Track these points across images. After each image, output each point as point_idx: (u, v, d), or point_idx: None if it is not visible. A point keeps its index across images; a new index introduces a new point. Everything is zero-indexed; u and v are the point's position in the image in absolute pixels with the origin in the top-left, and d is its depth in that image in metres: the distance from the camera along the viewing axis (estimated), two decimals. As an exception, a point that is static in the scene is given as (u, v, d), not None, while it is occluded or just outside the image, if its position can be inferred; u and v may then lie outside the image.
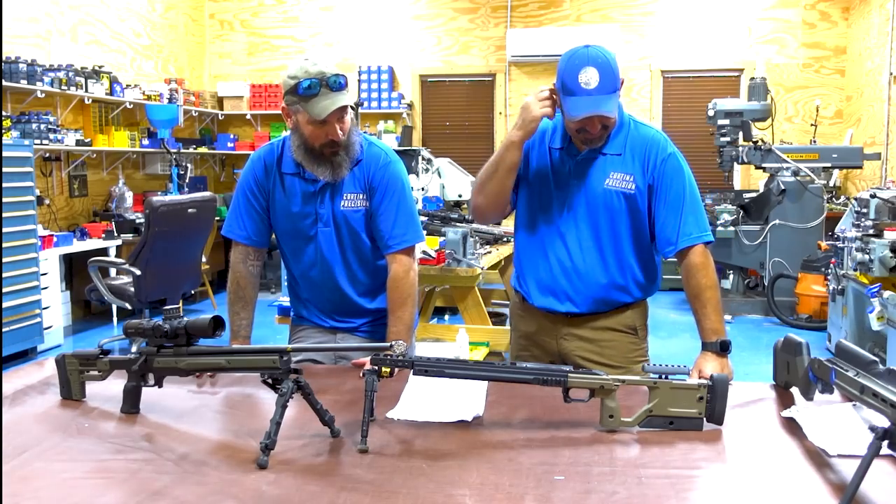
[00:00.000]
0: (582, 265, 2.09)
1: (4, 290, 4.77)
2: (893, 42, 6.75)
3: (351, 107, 2.07)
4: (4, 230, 4.81)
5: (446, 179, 6.20)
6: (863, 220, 4.93)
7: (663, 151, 2.06)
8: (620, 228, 2.08)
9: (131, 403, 1.68)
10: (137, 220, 6.52)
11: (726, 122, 6.55)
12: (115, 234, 6.45)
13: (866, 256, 4.63)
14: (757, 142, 6.60)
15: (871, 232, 4.79)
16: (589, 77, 1.92)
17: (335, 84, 1.99)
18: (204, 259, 5.89)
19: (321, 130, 2.03)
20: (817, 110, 7.62)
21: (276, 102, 8.60)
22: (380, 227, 2.18)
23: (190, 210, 4.96)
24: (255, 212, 2.22)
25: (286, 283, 2.39)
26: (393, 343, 1.56)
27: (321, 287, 2.24)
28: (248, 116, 8.77)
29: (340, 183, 2.15)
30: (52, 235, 5.76)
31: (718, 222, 6.40)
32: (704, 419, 1.55)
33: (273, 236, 2.30)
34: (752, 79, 6.98)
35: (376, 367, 1.51)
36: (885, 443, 1.18)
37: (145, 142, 7.33)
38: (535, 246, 2.15)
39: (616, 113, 2.00)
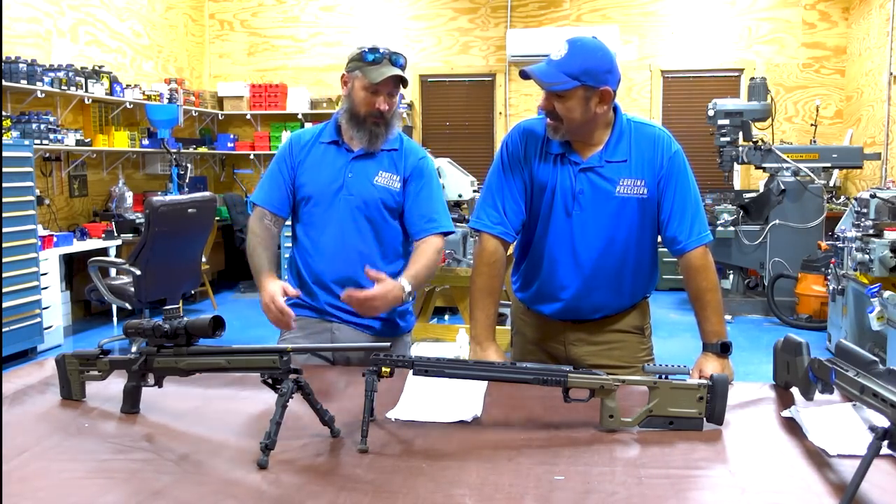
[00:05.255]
0: (595, 276, 2.06)
1: (4, 290, 4.77)
2: (893, 42, 6.76)
3: (402, 83, 2.20)
4: (4, 230, 4.81)
5: (446, 179, 6.18)
6: (863, 220, 4.93)
7: (669, 150, 2.03)
8: (634, 234, 2.05)
9: (131, 403, 1.68)
10: (137, 220, 6.52)
11: (726, 122, 6.55)
12: (115, 234, 6.45)
13: (866, 256, 4.63)
14: (757, 142, 6.60)
15: (871, 232, 4.79)
16: (559, 50, 1.92)
17: (396, 61, 2.18)
18: (204, 259, 5.89)
19: (372, 98, 2.17)
20: (817, 110, 7.63)
21: (276, 102, 8.60)
22: (421, 209, 2.26)
23: (190, 210, 4.96)
24: (283, 182, 2.30)
25: (288, 266, 2.38)
26: (402, 280, 2.05)
27: (334, 256, 2.23)
28: (248, 116, 8.76)
29: (378, 160, 2.25)
30: (52, 235, 5.76)
31: (718, 222, 6.40)
32: (704, 419, 1.55)
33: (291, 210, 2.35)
34: (752, 79, 6.98)
35: (376, 367, 1.52)
36: (885, 443, 1.18)
37: (145, 142, 7.34)
38: (544, 257, 2.10)
39: (557, 90, 1.91)
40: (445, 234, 2.28)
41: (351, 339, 2.26)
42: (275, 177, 2.31)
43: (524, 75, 1.95)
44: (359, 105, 2.19)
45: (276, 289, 2.10)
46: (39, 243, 5.37)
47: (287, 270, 2.40)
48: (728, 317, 6.40)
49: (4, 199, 4.83)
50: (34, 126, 5.80)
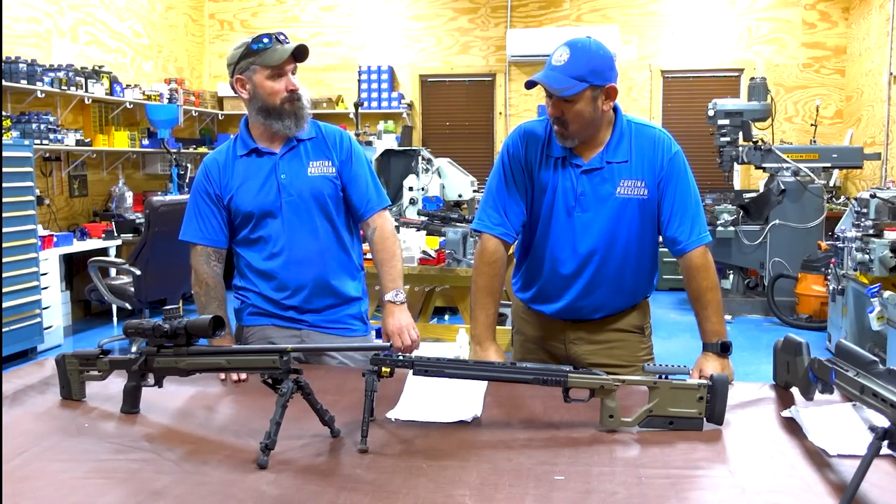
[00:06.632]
0: (595, 277, 2.07)
1: (4, 290, 4.77)
2: (893, 42, 6.75)
3: (299, 57, 2.16)
4: (4, 230, 4.81)
5: (446, 179, 6.19)
6: (863, 220, 4.93)
7: (669, 151, 2.03)
8: (635, 235, 2.05)
9: (131, 403, 1.68)
10: (137, 220, 6.52)
11: (726, 122, 6.55)
12: (115, 234, 6.45)
13: (866, 256, 4.63)
14: (757, 142, 6.60)
15: (871, 232, 4.79)
16: (560, 55, 1.92)
17: (283, 39, 2.15)
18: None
19: (279, 84, 2.13)
20: (817, 110, 7.63)
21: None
22: (363, 191, 2.26)
23: (190, 210, 4.95)
24: (211, 212, 2.20)
25: (240, 288, 2.28)
26: (396, 291, 2.13)
27: (295, 261, 2.18)
28: (248, 116, 8.75)
29: (304, 153, 2.21)
30: (52, 235, 5.76)
31: (718, 222, 6.40)
32: (704, 419, 1.55)
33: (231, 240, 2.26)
34: (752, 79, 6.98)
35: (376, 367, 1.52)
36: (885, 443, 1.18)
37: (145, 142, 7.34)
38: (545, 258, 2.10)
39: (569, 94, 1.90)
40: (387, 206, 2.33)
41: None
42: (202, 211, 2.21)
43: (530, 84, 1.94)
44: (269, 97, 2.14)
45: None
46: (39, 243, 5.37)
47: (248, 293, 2.29)
48: (728, 317, 6.39)
49: (4, 199, 4.83)
50: (34, 126, 5.80)
